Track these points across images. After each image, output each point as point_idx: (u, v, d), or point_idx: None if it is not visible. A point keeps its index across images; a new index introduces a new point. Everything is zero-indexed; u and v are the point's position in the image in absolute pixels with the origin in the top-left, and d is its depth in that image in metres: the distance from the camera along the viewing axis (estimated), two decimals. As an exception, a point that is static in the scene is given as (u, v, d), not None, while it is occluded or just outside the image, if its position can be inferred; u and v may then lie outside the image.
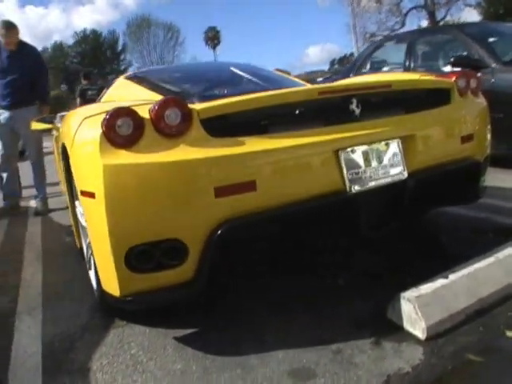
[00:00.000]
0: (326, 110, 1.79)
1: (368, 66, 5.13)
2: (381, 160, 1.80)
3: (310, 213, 1.67)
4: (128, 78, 2.91)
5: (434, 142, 1.98)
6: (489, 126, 2.32)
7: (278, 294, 2.00)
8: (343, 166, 1.70)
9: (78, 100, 7.28)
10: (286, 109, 1.70)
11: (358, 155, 1.75)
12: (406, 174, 1.85)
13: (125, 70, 47.54)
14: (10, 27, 4.13)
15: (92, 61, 45.57)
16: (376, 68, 5.02)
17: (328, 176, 1.67)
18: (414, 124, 1.94)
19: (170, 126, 1.52)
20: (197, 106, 1.59)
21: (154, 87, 2.52)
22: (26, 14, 62.27)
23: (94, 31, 46.51)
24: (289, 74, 3.48)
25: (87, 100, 3.99)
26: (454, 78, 2.19)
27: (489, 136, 2.32)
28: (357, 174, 1.74)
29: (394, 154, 1.84)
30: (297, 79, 3.08)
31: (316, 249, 2.00)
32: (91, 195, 1.55)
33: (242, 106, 1.62)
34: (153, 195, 1.48)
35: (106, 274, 1.63)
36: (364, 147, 1.77)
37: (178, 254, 1.53)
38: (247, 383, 1.46)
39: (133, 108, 1.52)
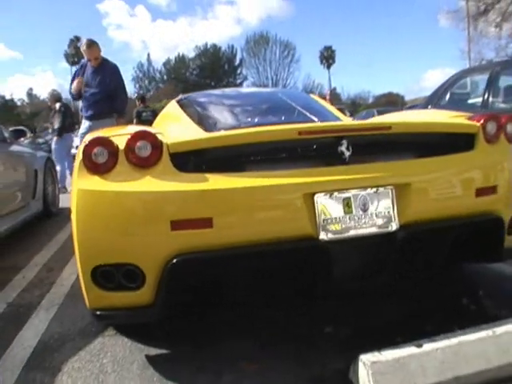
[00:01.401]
0: (308, 151, 1.73)
1: (447, 98, 4.77)
2: (366, 208, 1.69)
3: (271, 256, 1.63)
4: (178, 102, 3.08)
5: (437, 192, 1.80)
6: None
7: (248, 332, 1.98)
8: (317, 211, 1.63)
9: (135, 121, 8.04)
10: (261, 148, 1.69)
11: (336, 201, 1.66)
12: (395, 226, 1.71)
13: (240, 84, 49.80)
14: (91, 45, 4.64)
15: (210, 73, 48.42)
16: (456, 100, 4.66)
17: (296, 220, 1.61)
18: (414, 171, 1.78)
19: (140, 157, 1.60)
20: (168, 140, 1.65)
21: (193, 114, 2.66)
22: (157, 27, 67.89)
23: (214, 45, 49.40)
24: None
25: (142, 121, 4.36)
26: (481, 122, 1.98)
27: None
28: (332, 221, 1.66)
29: (385, 203, 1.72)
30: (338, 113, 2.99)
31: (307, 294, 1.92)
32: (71, 213, 1.69)
33: (214, 142, 1.65)
34: (115, 221, 1.57)
35: (81, 286, 1.75)
36: (346, 193, 1.67)
37: (136, 279, 1.60)
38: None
39: (109, 138, 1.63)
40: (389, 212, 1.71)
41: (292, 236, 1.62)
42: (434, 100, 4.89)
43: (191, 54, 49.65)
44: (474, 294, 2.17)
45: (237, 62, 49.56)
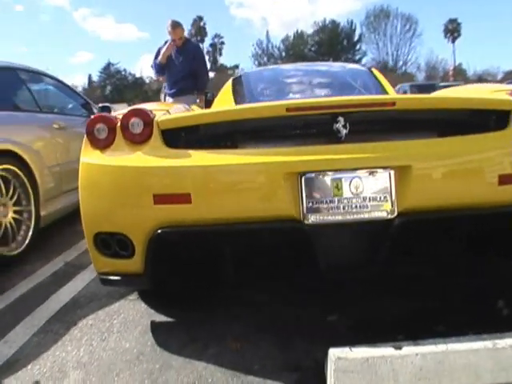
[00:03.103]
0: (299, 128, 1.64)
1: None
2: (359, 191, 1.57)
3: (251, 236, 1.60)
4: (233, 79, 3.13)
5: (445, 177, 1.58)
6: None
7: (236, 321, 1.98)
8: (302, 191, 1.56)
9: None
10: (249, 125, 1.64)
11: (324, 182, 1.56)
12: (392, 213, 1.56)
13: (359, 60, 48.02)
14: (175, 26, 4.83)
15: (328, 49, 47.37)
16: None
17: (277, 201, 1.55)
18: (419, 152, 1.58)
19: (133, 134, 1.67)
20: (159, 117, 1.69)
21: (237, 91, 2.71)
22: (277, 4, 67.88)
23: (332, 21, 48.12)
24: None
25: (207, 101, 4.50)
26: None
27: None
28: (319, 203, 1.57)
29: (382, 187, 1.57)
30: (391, 90, 2.75)
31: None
32: None
33: (201, 119, 1.66)
34: (108, 193, 1.68)
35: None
36: (337, 174, 1.56)
37: (127, 248, 1.70)
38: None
39: (108, 116, 1.73)
40: (386, 197, 1.57)
41: (273, 216, 1.57)
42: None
43: (309, 31, 49.05)
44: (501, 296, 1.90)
45: (356, 37, 47.76)
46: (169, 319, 2.03)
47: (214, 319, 1.96)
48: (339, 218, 1.57)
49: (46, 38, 66.19)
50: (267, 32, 71.43)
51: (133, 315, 2.07)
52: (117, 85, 45.16)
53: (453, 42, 42.15)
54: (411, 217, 1.57)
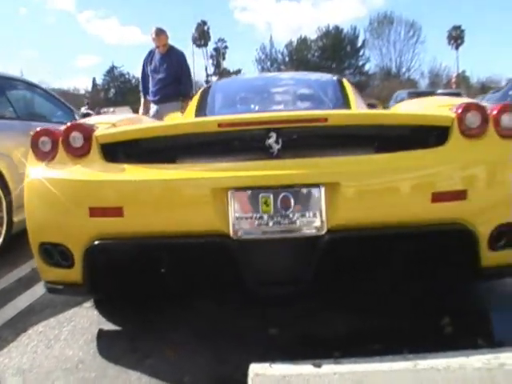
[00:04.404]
0: (231, 143, 1.68)
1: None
2: (287, 207, 1.60)
3: (181, 249, 1.64)
4: (201, 91, 3.17)
5: (376, 194, 1.61)
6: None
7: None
8: (230, 207, 1.60)
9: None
10: (183, 140, 1.69)
11: (252, 198, 1.60)
12: (321, 230, 1.60)
13: (362, 66, 48.13)
14: (159, 33, 4.93)
15: (332, 55, 47.51)
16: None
17: (205, 216, 1.59)
18: (351, 169, 1.61)
19: (74, 148, 1.73)
20: (97, 132, 1.74)
21: (201, 102, 2.76)
22: (281, 9, 67.87)
23: (335, 27, 48.17)
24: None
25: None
26: (458, 112, 1.71)
27: None
28: (247, 218, 1.60)
29: (312, 203, 1.61)
30: (355, 103, 2.77)
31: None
32: None
33: (138, 134, 1.71)
34: (49, 204, 1.73)
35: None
36: (265, 190, 1.60)
37: (68, 258, 1.74)
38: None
39: (52, 129, 1.78)
40: (315, 214, 1.60)
41: (203, 231, 1.61)
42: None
43: (313, 36, 49.13)
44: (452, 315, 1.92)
45: (359, 43, 47.80)
46: (116, 327, 2.07)
47: (159, 328, 2.00)
48: (267, 234, 1.60)
49: (50, 40, 66.60)
50: (271, 37, 71.74)
51: (83, 323, 2.11)
52: (120, 88, 45.44)
53: (456, 48, 42.16)
54: (341, 234, 1.60)
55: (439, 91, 18.77)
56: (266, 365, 1.46)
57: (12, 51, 64.77)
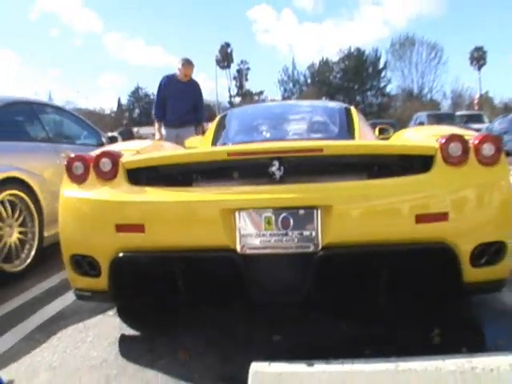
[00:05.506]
0: (239, 170, 1.92)
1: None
2: (287, 227, 1.82)
3: (194, 262, 1.87)
4: (219, 119, 3.45)
5: (367, 216, 1.81)
6: (500, 205, 1.89)
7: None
8: (237, 226, 1.83)
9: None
10: (197, 167, 1.95)
11: (257, 218, 1.83)
12: (316, 247, 1.81)
13: (384, 87, 48.28)
14: (188, 64, 5.27)
15: (353, 76, 47.85)
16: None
17: (217, 233, 1.81)
18: (343, 194, 1.81)
19: (103, 172, 1.99)
20: (124, 158, 2.00)
21: (217, 129, 3.04)
22: (303, 30, 68.76)
23: (357, 49, 48.66)
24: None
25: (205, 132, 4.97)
26: (441, 143, 1.90)
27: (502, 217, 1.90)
28: (252, 236, 1.83)
29: (309, 223, 1.82)
30: (359, 133, 2.98)
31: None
32: None
33: (159, 161, 1.97)
34: (80, 221, 1.99)
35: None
36: (268, 211, 1.82)
37: (96, 268, 1.99)
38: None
39: (85, 155, 2.06)
40: (311, 233, 1.81)
41: (213, 246, 1.84)
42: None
43: (335, 58, 49.65)
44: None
45: (381, 65, 48.07)
46: (135, 332, 2.30)
47: (172, 333, 2.22)
48: (269, 250, 1.83)
49: (76, 60, 69.14)
50: (293, 58, 72.53)
51: (106, 328, 2.35)
52: (145, 108, 46.61)
53: (478, 69, 41.96)
54: (334, 251, 1.81)
55: (458, 113, 18.81)
56: (266, 364, 1.66)
57: (41, 70, 67.31)
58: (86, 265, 2.02)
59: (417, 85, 45.66)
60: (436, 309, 2.29)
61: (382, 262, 1.86)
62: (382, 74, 48.55)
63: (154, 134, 5.87)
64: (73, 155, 2.08)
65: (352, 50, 48.44)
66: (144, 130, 20.38)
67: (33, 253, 3.39)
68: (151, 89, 46.93)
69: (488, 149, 1.90)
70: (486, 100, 34.40)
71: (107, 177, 1.99)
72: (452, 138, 1.90)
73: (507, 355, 1.64)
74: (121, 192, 1.93)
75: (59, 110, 4.63)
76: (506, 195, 1.91)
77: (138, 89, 49.03)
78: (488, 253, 1.87)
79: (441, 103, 43.67)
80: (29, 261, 3.33)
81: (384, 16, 65.42)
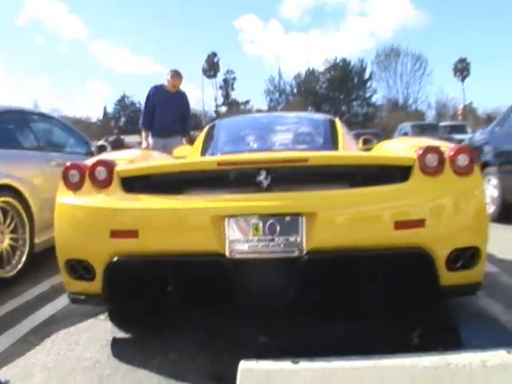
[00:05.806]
0: (229, 179, 2.03)
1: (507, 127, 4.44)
2: (273, 233, 1.93)
3: (186, 266, 1.97)
4: (207, 128, 3.56)
5: (349, 222, 1.93)
6: (475, 212, 2.03)
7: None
8: (226, 231, 1.93)
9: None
10: (188, 175, 2.06)
11: (245, 224, 1.93)
12: (301, 252, 1.91)
13: (370, 97, 48.97)
14: (177, 76, 5.38)
15: (339, 87, 48.48)
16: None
17: (207, 238, 1.91)
18: (326, 201, 1.93)
19: (98, 180, 2.08)
20: (118, 167, 2.10)
21: (206, 139, 3.15)
22: (289, 40, 69.24)
23: (343, 59, 49.36)
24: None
25: (192, 141, 5.05)
26: (419, 154, 2.03)
27: (474, 224, 2.03)
28: (240, 241, 1.93)
29: (294, 230, 1.93)
30: (342, 143, 3.10)
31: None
32: None
33: (152, 170, 2.07)
34: (75, 227, 2.08)
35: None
36: (255, 218, 1.93)
37: (90, 272, 2.08)
38: None
39: (80, 164, 2.15)
40: (297, 239, 1.92)
41: (203, 251, 1.94)
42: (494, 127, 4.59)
43: (321, 68, 50.25)
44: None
45: (366, 75, 48.81)
46: (127, 335, 2.38)
47: (164, 334, 2.31)
48: (257, 254, 1.93)
49: (62, 67, 68.71)
50: (279, 68, 73.26)
51: (99, 331, 2.42)
52: (131, 116, 46.53)
53: (462, 80, 42.90)
54: (318, 255, 1.92)
55: (442, 123, 19.19)
56: (254, 362, 1.76)
57: (26, 78, 66.82)
58: (81, 269, 2.10)
59: (402, 95, 46.49)
60: (414, 311, 2.42)
61: (363, 267, 1.98)
62: (368, 84, 49.29)
63: (140, 143, 5.94)
64: (68, 163, 2.17)
65: (338, 60, 49.16)
66: (130, 139, 20.24)
67: (24, 259, 3.44)
68: (137, 97, 46.95)
69: (463, 159, 2.04)
70: (469, 110, 35.16)
71: (102, 185, 2.08)
72: (429, 149, 2.03)
73: (479, 352, 1.77)
74: (115, 199, 2.03)
75: (49, 118, 4.69)
76: (480, 203, 2.05)
77: (123, 97, 48.99)
78: (463, 257, 2.00)
79: (425, 113, 44.46)
80: (20, 266, 3.38)
81: (370, 27, 66.80)
